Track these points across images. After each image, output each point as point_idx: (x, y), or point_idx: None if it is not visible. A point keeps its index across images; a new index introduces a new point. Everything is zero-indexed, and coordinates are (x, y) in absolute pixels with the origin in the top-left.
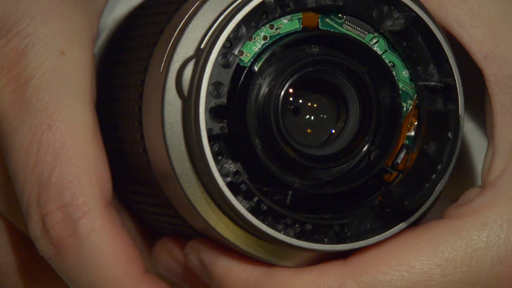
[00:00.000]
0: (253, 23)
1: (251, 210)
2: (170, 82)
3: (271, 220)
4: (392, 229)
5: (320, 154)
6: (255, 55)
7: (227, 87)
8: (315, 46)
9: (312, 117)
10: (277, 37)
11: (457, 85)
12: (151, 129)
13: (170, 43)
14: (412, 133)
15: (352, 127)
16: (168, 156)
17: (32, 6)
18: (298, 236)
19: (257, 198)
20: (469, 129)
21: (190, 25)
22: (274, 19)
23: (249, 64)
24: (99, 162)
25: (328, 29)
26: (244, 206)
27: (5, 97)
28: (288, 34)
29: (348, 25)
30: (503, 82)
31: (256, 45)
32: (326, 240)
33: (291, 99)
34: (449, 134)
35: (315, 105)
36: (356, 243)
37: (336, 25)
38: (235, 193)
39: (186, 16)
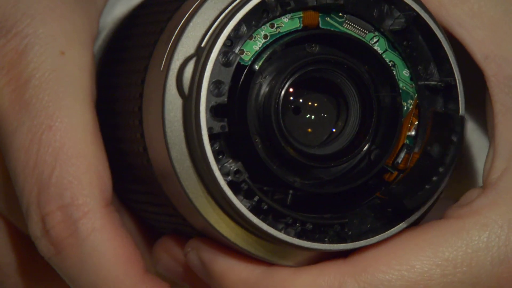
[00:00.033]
0: (253, 22)
1: (252, 209)
2: (170, 80)
3: (272, 219)
4: (392, 229)
5: (321, 153)
6: (255, 54)
7: (227, 86)
8: (315, 45)
9: (313, 116)
10: (278, 36)
11: (458, 84)
12: (152, 128)
13: (171, 42)
14: (413, 133)
15: (352, 126)
16: (169, 155)
17: (32, 6)
18: (298, 236)
19: (258, 197)
20: (469, 129)
21: (191, 24)
22: (274, 18)
23: (249, 63)
24: (99, 162)
25: (329, 28)
26: (244, 205)
27: (5, 97)
28: (289, 33)
29: (349, 24)
30: (503, 83)
31: (257, 44)
32: (326, 239)
33: (291, 98)
34: (453, 137)
35: (315, 104)
36: (357, 242)
37: (336, 24)
38: (235, 192)
39: (187, 15)
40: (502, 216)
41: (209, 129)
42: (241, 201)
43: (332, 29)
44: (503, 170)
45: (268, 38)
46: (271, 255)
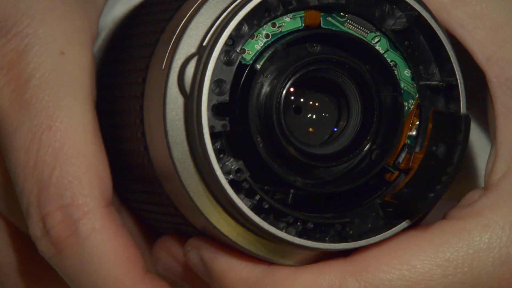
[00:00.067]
0: (255, 21)
1: (253, 208)
2: (172, 79)
3: (273, 218)
4: (393, 228)
5: (322, 153)
6: (257, 53)
7: (229, 85)
8: (317, 45)
9: (314, 116)
10: (279, 35)
11: (459, 84)
12: (153, 127)
13: (172, 41)
14: (414, 133)
15: (353, 126)
16: (170, 154)
17: (32, 6)
18: (299, 235)
19: (259, 196)
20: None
21: (192, 23)
22: (276, 17)
23: (251, 62)
24: (99, 162)
25: (330, 27)
26: (246, 204)
27: (5, 97)
28: (290, 33)
29: (350, 23)
30: (505, 84)
31: (258, 43)
32: (327, 239)
33: (292, 97)
34: (459, 136)
35: (316, 104)
36: (358, 242)
37: (338, 24)
38: (237, 191)
39: (188, 14)
40: (504, 217)
41: (211, 128)
42: (242, 200)
43: (334, 28)
44: (504, 172)
45: (270, 37)
46: (272, 254)
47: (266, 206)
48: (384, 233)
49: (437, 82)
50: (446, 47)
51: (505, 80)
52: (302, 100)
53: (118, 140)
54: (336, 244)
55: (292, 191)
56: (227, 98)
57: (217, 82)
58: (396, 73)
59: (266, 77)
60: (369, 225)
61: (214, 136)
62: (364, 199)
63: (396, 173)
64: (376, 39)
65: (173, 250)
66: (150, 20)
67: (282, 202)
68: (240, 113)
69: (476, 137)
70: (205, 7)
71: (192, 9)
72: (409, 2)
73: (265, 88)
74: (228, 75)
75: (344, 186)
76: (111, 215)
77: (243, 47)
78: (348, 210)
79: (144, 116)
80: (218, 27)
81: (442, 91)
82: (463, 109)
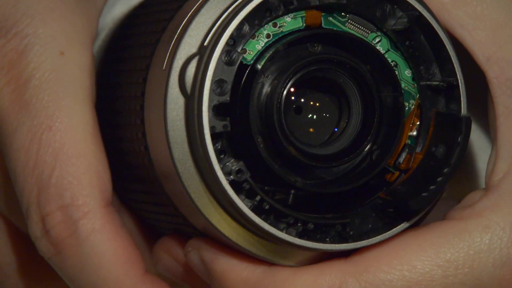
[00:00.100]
0: (256, 21)
1: (254, 209)
2: (173, 79)
3: (273, 219)
4: (394, 229)
5: (322, 153)
6: (258, 53)
7: (230, 85)
8: (318, 45)
9: (315, 116)
10: (280, 35)
11: (460, 84)
12: (153, 127)
13: (173, 41)
14: (414, 133)
15: (354, 126)
16: (171, 154)
17: (32, 6)
18: (300, 235)
19: (260, 197)
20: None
21: (193, 23)
22: (277, 17)
23: (252, 62)
24: (99, 163)
25: (331, 27)
26: (246, 205)
27: (5, 97)
28: (291, 33)
29: (351, 23)
30: (505, 84)
31: (259, 43)
32: (328, 239)
33: (293, 98)
34: (459, 138)
35: (317, 104)
36: (358, 242)
37: (339, 24)
38: (237, 191)
39: (189, 14)
40: (504, 218)
41: (211, 128)
42: (242, 200)
43: (335, 28)
44: (505, 172)
45: (271, 37)
46: (272, 255)
47: (267, 206)
48: (385, 234)
49: (438, 82)
50: (447, 47)
51: (506, 80)
52: (302, 100)
53: (119, 140)
54: (337, 245)
55: (292, 191)
56: (228, 98)
57: (218, 82)
58: (397, 73)
59: (267, 77)
60: (370, 226)
61: (214, 136)
62: (364, 199)
63: (397, 173)
64: (377, 39)
65: (174, 250)
66: (150, 20)
67: (283, 202)
68: (241, 113)
69: (477, 137)
70: (206, 7)
71: (193, 9)
72: (410, 2)
73: (266, 88)
74: (229, 75)
75: (345, 187)
76: (111, 216)
77: (244, 47)
78: (348, 210)
79: (144, 116)
80: (219, 27)
81: (443, 91)
82: (463, 109)
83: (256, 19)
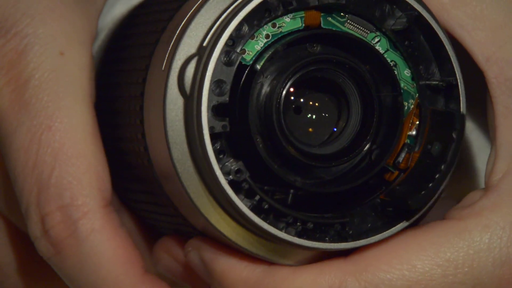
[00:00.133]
0: (255, 22)
1: (253, 209)
2: (172, 80)
3: (273, 218)
4: (393, 228)
5: (322, 153)
6: (257, 54)
7: (229, 85)
8: (317, 45)
9: (314, 116)
10: (279, 36)
11: (459, 84)
12: (153, 127)
13: (172, 41)
14: (414, 132)
15: (353, 126)
16: (170, 154)
17: (32, 6)
18: (299, 235)
19: (259, 197)
20: (469, 129)
21: (193, 23)
22: (276, 17)
23: (251, 62)
24: (98, 163)
25: (330, 28)
26: (245, 205)
27: (4, 97)
28: (290, 33)
29: (350, 24)
30: (505, 85)
31: (258, 43)
32: (327, 238)
33: (292, 98)
34: (454, 135)
35: (316, 104)
36: (357, 241)
37: (338, 24)
38: (236, 191)
39: (188, 14)
40: (504, 217)
41: (211, 129)
42: (242, 200)
43: (334, 29)
44: (504, 172)
45: (270, 37)
46: (271, 254)
47: (266, 206)
48: (384, 233)
49: (437, 82)
50: (446, 47)
51: (505, 80)
52: (302, 100)
53: (118, 140)
54: (336, 244)
55: (291, 191)
56: (227, 99)
57: (217, 83)
58: (396, 73)
59: (266, 77)
60: (369, 225)
61: (214, 136)
62: (364, 198)
63: (396, 172)
64: (376, 39)
65: (174, 251)
66: (150, 20)
67: (282, 202)
68: (240, 114)
69: (476, 137)
70: (205, 7)
71: (192, 10)
72: (409, 2)
73: (265, 89)
74: (228, 75)
75: (344, 186)
76: (111, 216)
77: (243, 48)
78: (348, 210)
79: (144, 117)
80: (218, 27)
81: (442, 90)
82: (463, 108)
83: (255, 19)
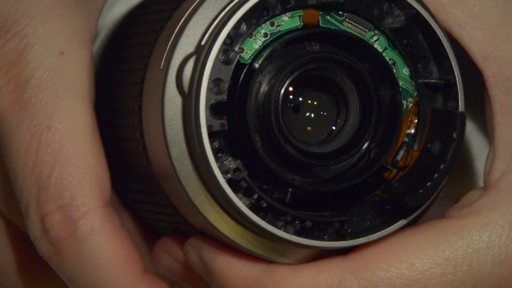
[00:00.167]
0: (253, 20)
1: (251, 207)
2: (170, 79)
3: (271, 217)
4: (391, 226)
5: (320, 151)
6: (255, 52)
7: (227, 84)
8: (315, 44)
9: (312, 115)
10: (278, 34)
11: (457, 82)
12: (151, 126)
13: (171, 40)
14: (412, 131)
15: (352, 124)
16: (168, 153)
17: (32, 6)
18: (298, 233)
19: (257, 195)
20: (469, 129)
21: (191, 22)
22: (274, 16)
23: (249, 61)
24: (98, 163)
25: (329, 26)
26: (244, 203)
27: (4, 97)
28: (289, 32)
29: (349, 22)
30: (503, 84)
31: (257, 42)
32: (326, 237)
33: (291, 96)
34: (454, 134)
35: (315, 103)
36: (356, 240)
37: (336, 23)
38: (235, 190)
39: (187, 13)
40: (503, 216)
41: (209, 127)
42: (240, 199)
43: (332, 27)
44: (503, 171)
45: (268, 36)
46: (270, 253)
47: (264, 204)
48: (383, 231)
49: (435, 80)
50: (445, 45)
51: (503, 80)
52: (300, 99)
53: (117, 139)
54: (335, 242)
55: (290, 189)
56: (225, 97)
57: (215, 81)
58: (394, 71)
59: (265, 76)
60: (368, 223)
61: (212, 135)
62: (362, 197)
63: (395, 171)
64: (375, 38)
65: (173, 250)
66: (149, 19)
67: (280, 200)
68: (238, 112)
69: (475, 136)
70: (203, 6)
71: (190, 9)
72: (408, 1)
73: (264, 87)
74: (226, 74)
75: (343, 185)
76: (110, 216)
77: (241, 46)
78: (346, 208)
79: (142, 116)
80: (216, 26)
81: (441, 89)
82: (461, 107)
83: (254, 18)
